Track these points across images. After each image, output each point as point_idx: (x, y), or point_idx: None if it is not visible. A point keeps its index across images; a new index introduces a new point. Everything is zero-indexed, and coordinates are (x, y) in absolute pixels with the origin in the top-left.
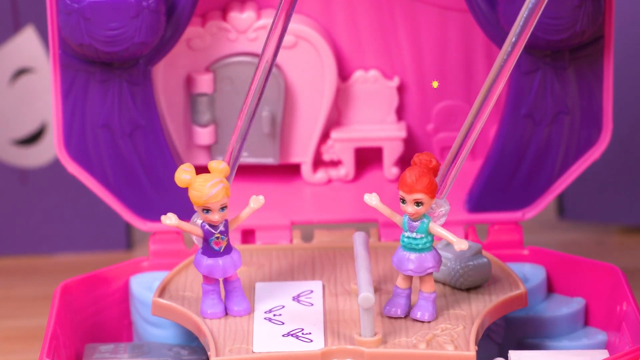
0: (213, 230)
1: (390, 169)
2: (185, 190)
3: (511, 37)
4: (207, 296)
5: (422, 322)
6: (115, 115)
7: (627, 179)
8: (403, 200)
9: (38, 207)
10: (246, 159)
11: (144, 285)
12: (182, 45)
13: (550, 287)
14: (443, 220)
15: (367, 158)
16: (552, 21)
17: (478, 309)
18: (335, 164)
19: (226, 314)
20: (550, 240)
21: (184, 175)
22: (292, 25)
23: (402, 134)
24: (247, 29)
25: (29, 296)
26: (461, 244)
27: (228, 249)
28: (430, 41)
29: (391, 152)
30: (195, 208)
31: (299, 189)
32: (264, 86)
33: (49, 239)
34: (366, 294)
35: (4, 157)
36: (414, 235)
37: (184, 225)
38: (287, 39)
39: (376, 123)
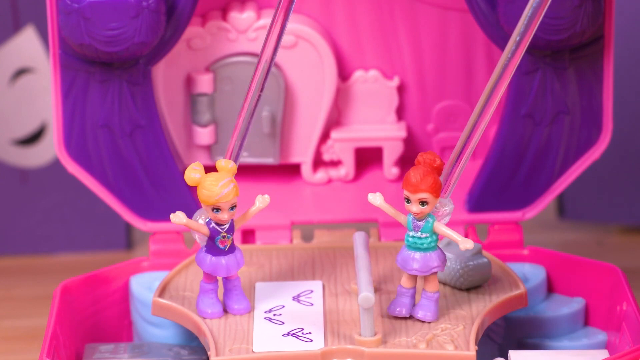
0: (220, 229)
1: (390, 169)
2: (185, 190)
3: (514, 38)
4: (206, 295)
5: (423, 322)
6: (115, 115)
7: (626, 179)
8: (408, 200)
9: (38, 207)
10: (246, 159)
11: (144, 285)
12: (182, 45)
13: (550, 287)
14: (447, 219)
15: (367, 158)
16: (552, 21)
17: (478, 309)
18: (335, 164)
19: (225, 312)
20: (550, 240)
21: (193, 174)
22: (292, 25)
23: (402, 133)
24: (247, 29)
25: (29, 296)
26: (466, 243)
27: (232, 248)
28: (430, 41)
29: (391, 152)
30: (204, 207)
31: (299, 189)
32: (263, 86)
33: (49, 239)
34: (366, 294)
35: (4, 157)
36: (418, 234)
37: (192, 223)
38: (287, 39)
39: (376, 123)
